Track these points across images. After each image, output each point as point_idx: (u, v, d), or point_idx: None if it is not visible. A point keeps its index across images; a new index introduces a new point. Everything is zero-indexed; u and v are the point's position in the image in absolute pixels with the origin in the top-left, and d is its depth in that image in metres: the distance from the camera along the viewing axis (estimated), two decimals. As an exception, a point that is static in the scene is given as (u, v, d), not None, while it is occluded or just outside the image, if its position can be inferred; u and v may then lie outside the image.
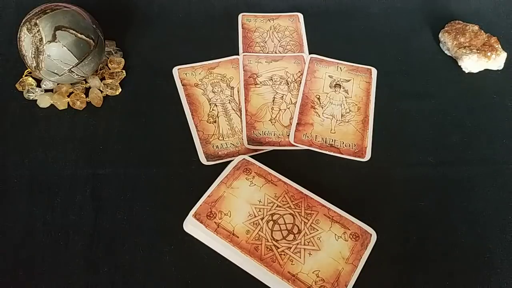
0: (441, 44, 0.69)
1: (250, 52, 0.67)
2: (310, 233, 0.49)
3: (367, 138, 0.58)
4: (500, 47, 0.66)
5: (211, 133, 0.58)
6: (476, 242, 0.51)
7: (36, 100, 0.60)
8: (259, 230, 0.49)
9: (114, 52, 0.65)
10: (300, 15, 0.72)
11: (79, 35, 0.55)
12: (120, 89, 0.62)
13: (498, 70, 0.67)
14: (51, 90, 0.61)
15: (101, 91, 0.61)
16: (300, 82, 0.64)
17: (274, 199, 0.51)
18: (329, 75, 0.65)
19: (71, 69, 0.56)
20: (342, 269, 0.47)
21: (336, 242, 0.48)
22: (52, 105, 0.59)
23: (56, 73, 0.56)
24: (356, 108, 0.61)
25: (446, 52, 0.69)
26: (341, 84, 0.64)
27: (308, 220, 0.50)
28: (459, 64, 0.67)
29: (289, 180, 0.52)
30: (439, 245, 0.51)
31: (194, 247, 0.49)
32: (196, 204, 0.50)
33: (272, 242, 0.48)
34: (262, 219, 0.49)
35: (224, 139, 0.58)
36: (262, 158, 0.56)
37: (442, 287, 0.48)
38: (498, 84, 0.65)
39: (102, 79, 0.62)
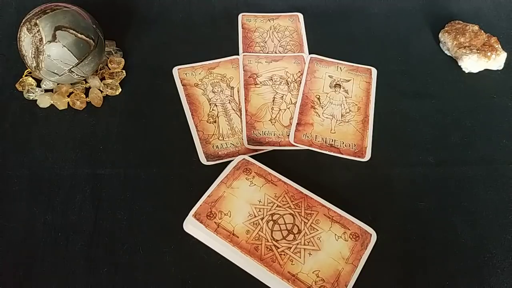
0: (441, 44, 0.69)
1: (250, 52, 0.67)
2: (310, 233, 0.49)
3: (367, 138, 0.58)
4: (500, 47, 0.66)
5: (211, 133, 0.58)
6: (476, 242, 0.51)
7: (36, 100, 0.60)
8: (259, 230, 0.49)
9: (114, 52, 0.65)
10: (300, 15, 0.72)
11: (79, 35, 0.55)
12: (120, 89, 0.62)
13: (498, 70, 0.67)
14: (51, 90, 0.61)
15: (101, 91, 0.61)
16: (300, 82, 0.64)
17: (274, 199, 0.51)
18: (329, 75, 0.65)
19: (71, 69, 0.56)
20: (342, 269, 0.47)
21: (336, 242, 0.48)
22: (52, 105, 0.59)
23: (56, 73, 0.56)
24: (356, 108, 0.61)
25: (446, 52, 0.69)
26: (341, 84, 0.64)
27: (308, 220, 0.49)
28: (459, 64, 0.67)
29: (289, 180, 0.52)
30: (439, 245, 0.51)
31: (194, 247, 0.49)
32: (196, 204, 0.50)
33: (272, 242, 0.48)
34: (262, 219, 0.49)
35: (224, 139, 0.58)
36: (262, 158, 0.56)
37: (442, 287, 0.48)
38: (498, 84, 0.65)
39: (102, 79, 0.62)
